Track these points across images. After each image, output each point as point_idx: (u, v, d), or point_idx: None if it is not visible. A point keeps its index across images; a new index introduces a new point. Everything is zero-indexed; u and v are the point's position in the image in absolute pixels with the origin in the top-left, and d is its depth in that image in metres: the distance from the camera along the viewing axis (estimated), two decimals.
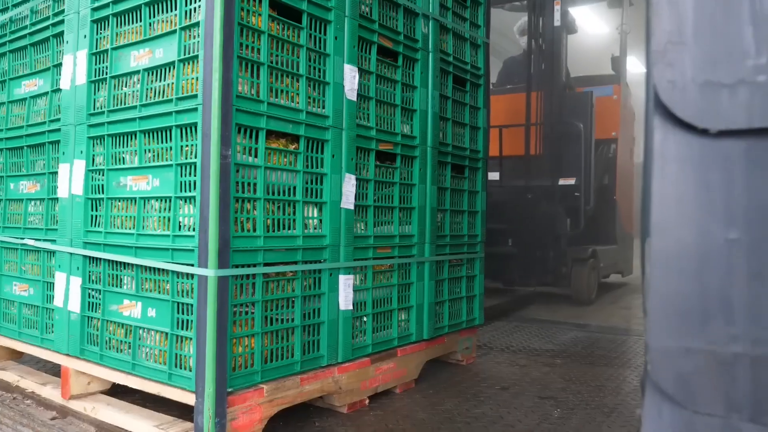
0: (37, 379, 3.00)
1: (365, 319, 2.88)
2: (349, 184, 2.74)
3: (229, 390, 2.20)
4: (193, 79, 2.27)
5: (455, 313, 3.57)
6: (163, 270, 2.35)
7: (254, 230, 2.33)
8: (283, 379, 2.43)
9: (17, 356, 3.35)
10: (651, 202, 0.86)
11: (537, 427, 2.66)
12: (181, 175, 2.29)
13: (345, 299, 2.72)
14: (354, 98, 2.77)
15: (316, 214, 2.63)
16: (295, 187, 2.52)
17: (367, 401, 2.89)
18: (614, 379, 3.49)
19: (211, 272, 2.14)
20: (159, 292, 2.37)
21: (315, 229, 2.62)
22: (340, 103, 2.69)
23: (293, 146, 2.52)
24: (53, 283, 2.81)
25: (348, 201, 2.73)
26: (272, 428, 2.51)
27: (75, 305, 2.67)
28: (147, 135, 2.44)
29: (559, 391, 3.22)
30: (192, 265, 2.21)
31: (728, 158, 0.81)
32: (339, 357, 2.70)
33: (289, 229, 2.50)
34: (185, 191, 2.27)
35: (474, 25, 3.73)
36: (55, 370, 3.15)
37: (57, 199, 2.81)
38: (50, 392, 2.84)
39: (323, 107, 2.64)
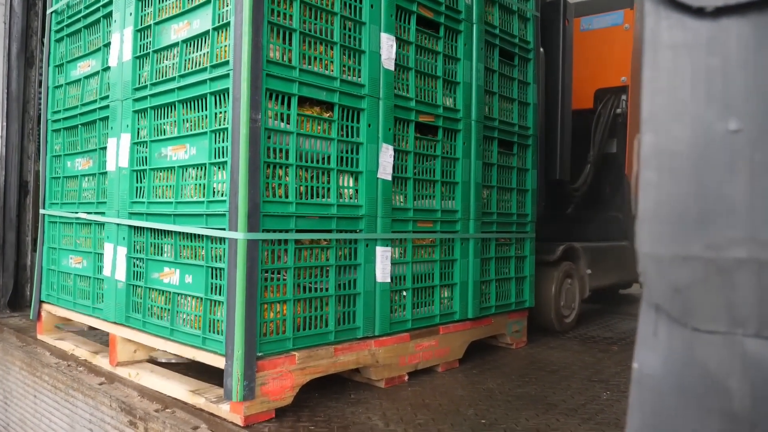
0: (90, 348, 3.11)
1: (404, 293, 2.82)
2: (387, 155, 2.68)
3: (260, 354, 2.20)
4: (225, 46, 2.28)
5: (503, 294, 3.45)
6: (198, 236, 2.38)
7: (286, 196, 2.32)
8: (316, 348, 2.41)
9: (75, 330, 3.50)
10: (642, 95, 0.77)
11: (582, 407, 2.52)
12: (215, 142, 2.30)
13: (382, 271, 2.66)
14: (392, 68, 2.71)
15: (351, 184, 2.59)
16: (329, 156, 2.49)
17: (406, 377, 2.83)
18: None
19: (240, 235, 2.14)
20: (195, 258, 2.40)
21: (351, 198, 2.58)
22: (376, 72, 2.65)
23: (327, 114, 2.50)
24: (103, 255, 2.90)
25: (385, 171, 2.68)
26: (306, 399, 2.49)
27: (121, 274, 2.76)
28: (185, 105, 2.48)
29: (612, 375, 3.05)
30: (223, 229, 2.22)
31: (727, 40, 0.71)
32: (376, 330, 2.65)
33: (323, 197, 2.47)
34: (218, 157, 2.28)
35: None
36: (105, 340, 3.26)
37: (106, 173, 2.91)
38: (100, 360, 2.95)
39: (359, 76, 2.60)
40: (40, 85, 4.69)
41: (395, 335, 2.75)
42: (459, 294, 3.09)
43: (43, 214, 3.44)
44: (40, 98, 4.72)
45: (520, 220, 3.56)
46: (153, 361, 2.87)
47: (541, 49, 3.86)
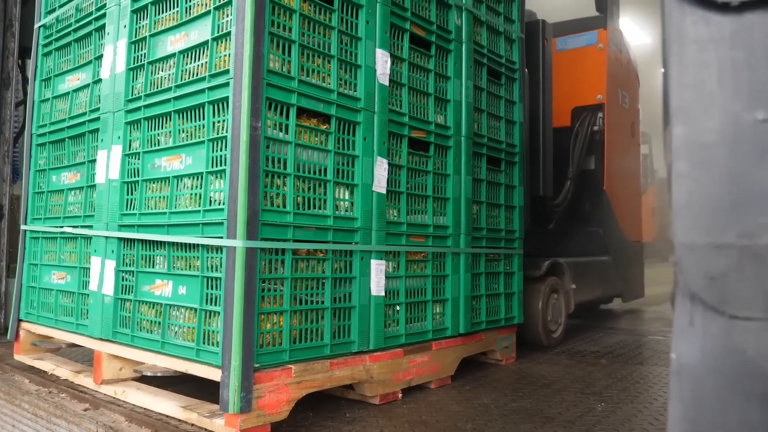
0: (72, 368, 3.01)
1: (398, 308, 2.80)
2: (381, 168, 2.70)
3: (256, 366, 2.15)
4: (225, 56, 2.29)
5: (493, 310, 3.45)
6: (193, 246, 2.34)
7: (284, 206, 2.31)
8: (312, 362, 2.37)
9: (54, 349, 3.38)
10: (670, 89, 0.79)
11: (579, 419, 2.52)
12: (213, 151, 2.29)
13: (377, 284, 2.65)
14: (386, 83, 2.75)
15: (347, 196, 2.59)
16: (326, 168, 2.50)
17: (400, 394, 2.79)
18: (664, 377, 3.30)
19: (239, 243, 2.12)
20: (190, 269, 2.36)
21: (346, 211, 2.58)
22: (371, 86, 2.68)
23: (325, 126, 2.51)
24: (89, 269, 2.83)
25: (380, 185, 2.69)
26: (302, 418, 2.45)
27: (109, 288, 2.69)
28: (181, 115, 2.46)
29: (604, 387, 3.06)
30: (221, 237, 2.19)
31: (751, 33, 0.74)
32: (371, 344, 2.62)
33: (319, 209, 2.46)
34: (216, 166, 2.27)
35: (508, 20, 3.70)
36: (87, 358, 3.17)
37: (95, 185, 2.86)
38: (83, 379, 2.85)
39: (355, 90, 2.63)
40: (17, 107, 4.63)
41: (389, 350, 2.72)
42: (451, 309, 3.09)
43: (24, 230, 3.35)
44: (16, 119, 4.66)
45: (509, 236, 3.60)
46: (139, 378, 2.78)
47: (525, 70, 3.94)
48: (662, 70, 0.88)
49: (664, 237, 17.54)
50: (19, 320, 3.31)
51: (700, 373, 0.76)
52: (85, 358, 3.25)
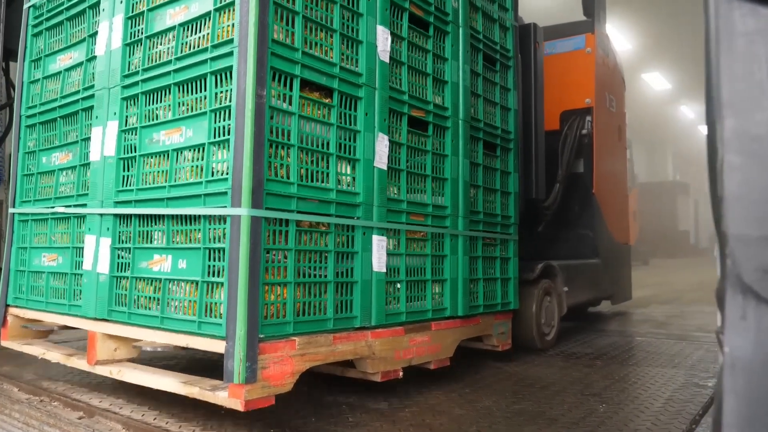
0: (63, 352, 2.93)
1: (399, 285, 2.79)
2: (382, 144, 2.69)
3: (261, 337, 2.12)
4: (228, 26, 2.27)
5: (490, 294, 3.45)
6: (193, 219, 2.31)
7: (287, 177, 2.28)
8: (315, 335, 2.34)
9: (43, 335, 3.30)
10: (720, 83, 0.78)
11: (582, 420, 2.51)
12: (215, 122, 2.26)
13: (378, 260, 2.63)
14: (387, 60, 2.75)
15: (349, 171, 2.58)
16: (328, 141, 2.48)
17: (401, 373, 2.76)
18: (661, 377, 3.31)
19: (244, 211, 2.09)
20: (190, 242, 2.32)
21: (348, 186, 2.56)
22: (372, 62, 2.67)
23: (327, 100, 2.50)
24: (82, 249, 2.77)
25: (381, 160, 2.68)
26: (304, 424, 2.43)
27: (104, 267, 2.63)
28: (181, 88, 2.43)
29: (603, 388, 3.05)
30: (225, 207, 2.16)
31: None
32: (372, 320, 2.60)
33: (322, 182, 2.44)
34: (219, 136, 2.23)
35: (502, 8, 3.73)
36: (79, 344, 3.09)
37: (89, 164, 2.80)
38: (76, 362, 2.77)
39: (356, 65, 2.62)
40: (0, 110, 4.53)
41: (391, 328, 2.70)
42: (449, 290, 3.08)
43: (13, 213, 3.27)
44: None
45: (504, 222, 3.61)
46: (135, 359, 2.72)
47: (519, 56, 3.95)
48: (705, 65, 0.87)
49: (646, 240, 17.75)
50: (6, 305, 3.22)
51: (754, 366, 0.75)
52: (77, 345, 3.17)
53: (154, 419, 2.46)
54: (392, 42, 2.80)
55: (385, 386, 2.96)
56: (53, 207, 3.00)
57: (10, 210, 3.28)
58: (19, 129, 3.31)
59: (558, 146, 5.17)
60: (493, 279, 3.49)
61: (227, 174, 2.18)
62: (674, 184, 28.89)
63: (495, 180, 3.56)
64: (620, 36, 18.00)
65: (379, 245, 2.64)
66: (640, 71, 22.99)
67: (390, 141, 2.74)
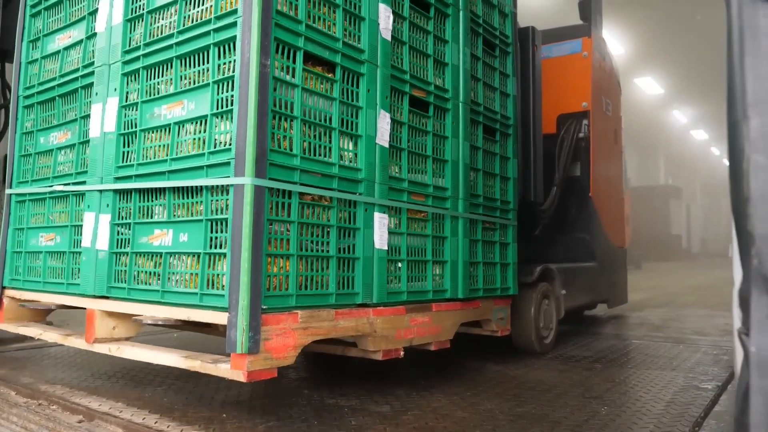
0: (60, 332, 2.91)
1: (400, 265, 2.77)
2: (384, 121, 2.68)
3: (264, 308, 2.10)
4: None
5: (489, 279, 3.45)
6: (195, 191, 2.29)
7: (291, 149, 2.27)
8: (317, 309, 2.32)
9: (40, 318, 3.26)
10: (744, 83, 0.78)
11: (585, 423, 2.49)
12: (218, 93, 2.25)
13: (380, 238, 2.62)
14: (389, 38, 2.74)
15: (351, 147, 2.57)
16: (331, 116, 2.47)
17: (402, 352, 2.75)
18: (660, 380, 3.29)
19: (247, 180, 2.07)
20: (192, 215, 2.30)
21: (350, 162, 2.55)
22: (375, 39, 2.67)
23: (330, 75, 2.49)
24: (81, 227, 2.75)
25: (383, 138, 2.67)
26: (307, 428, 2.41)
27: (104, 243, 2.61)
28: (183, 61, 2.42)
29: (604, 391, 3.04)
30: (228, 177, 2.14)
31: None
32: (374, 297, 2.59)
33: (325, 156, 2.43)
34: (222, 107, 2.22)
35: None
36: (76, 326, 3.05)
37: (88, 141, 2.78)
38: (74, 341, 2.75)
39: (359, 41, 2.61)
40: None
41: (392, 306, 2.69)
42: (450, 272, 3.07)
43: (9, 194, 3.24)
44: None
45: (503, 207, 3.61)
46: (133, 338, 2.69)
47: (518, 44, 3.95)
48: (727, 65, 0.85)
49: (639, 243, 17.76)
50: (3, 287, 3.18)
51: None
52: (74, 327, 3.13)
53: (155, 423, 2.40)
54: (394, 21, 2.80)
55: (387, 389, 2.96)
56: (51, 186, 2.97)
57: (7, 191, 3.25)
58: (17, 110, 3.29)
59: (555, 150, 5.16)
60: (492, 263, 3.49)
61: (230, 145, 2.16)
62: (666, 187, 29.08)
63: (494, 164, 3.56)
64: (613, 40, 18.14)
65: (380, 222, 2.63)
66: (633, 76, 23.18)
67: (391, 119, 2.74)
